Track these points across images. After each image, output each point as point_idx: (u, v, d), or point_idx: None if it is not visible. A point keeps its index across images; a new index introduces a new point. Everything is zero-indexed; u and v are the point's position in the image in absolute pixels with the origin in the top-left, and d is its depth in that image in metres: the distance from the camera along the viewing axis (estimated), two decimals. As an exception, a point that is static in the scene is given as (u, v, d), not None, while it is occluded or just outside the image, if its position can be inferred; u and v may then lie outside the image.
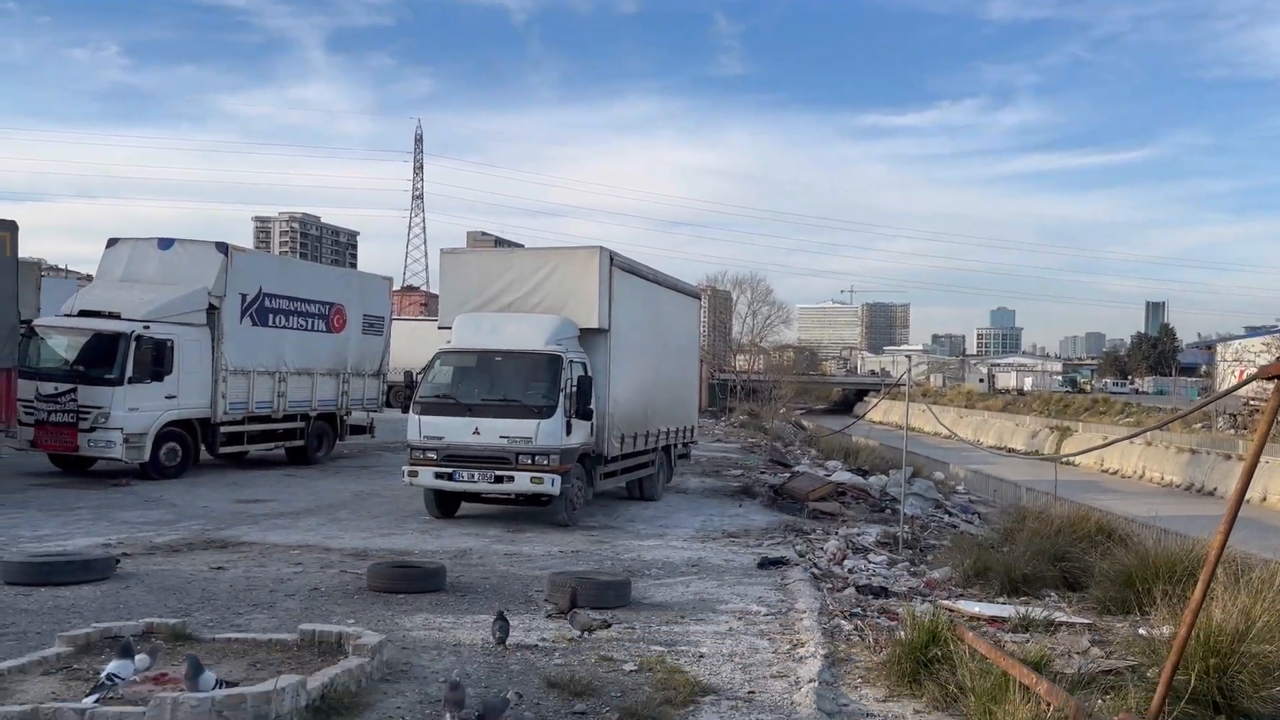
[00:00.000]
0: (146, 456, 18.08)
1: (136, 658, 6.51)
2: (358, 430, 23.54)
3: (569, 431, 14.32)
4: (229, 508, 15.70)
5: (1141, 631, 9.32)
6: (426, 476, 14.41)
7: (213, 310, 19.39)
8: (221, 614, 8.97)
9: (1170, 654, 4.95)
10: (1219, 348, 72.29)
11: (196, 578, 10.51)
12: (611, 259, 15.67)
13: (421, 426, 14.49)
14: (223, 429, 19.68)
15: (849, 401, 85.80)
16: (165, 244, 19.83)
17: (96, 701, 5.77)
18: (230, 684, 5.94)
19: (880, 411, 74.37)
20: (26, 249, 17.92)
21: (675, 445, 19.38)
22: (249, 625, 8.53)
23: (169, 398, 18.47)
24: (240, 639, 7.42)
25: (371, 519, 15.00)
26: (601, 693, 6.96)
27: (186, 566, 11.11)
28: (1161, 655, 8.25)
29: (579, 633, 8.50)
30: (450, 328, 15.51)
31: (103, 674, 6.11)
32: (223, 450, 19.93)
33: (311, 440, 21.92)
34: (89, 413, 17.54)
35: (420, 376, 15.07)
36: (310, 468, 21.44)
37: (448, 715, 5.93)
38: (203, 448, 19.68)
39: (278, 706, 5.84)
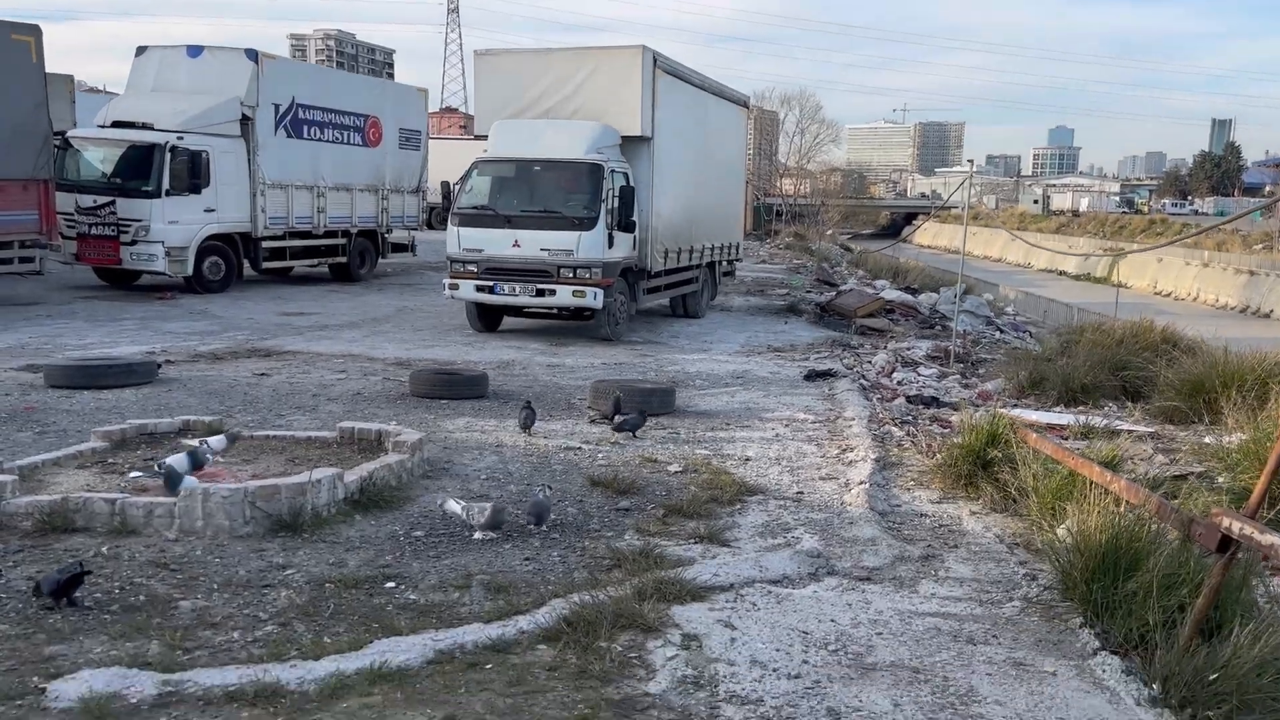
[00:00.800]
0: (190, 270, 17.95)
1: (214, 439, 6.41)
2: (399, 248, 23.24)
3: (611, 244, 13.83)
4: (273, 320, 15.62)
5: (1208, 439, 8.93)
6: (467, 290, 14.11)
7: (246, 122, 18.81)
8: (263, 415, 8.85)
9: (1276, 445, 4.52)
10: (1287, 166, 68.92)
11: (239, 383, 10.41)
12: (655, 60, 14.75)
13: (460, 239, 14.08)
14: (264, 244, 19.45)
15: (897, 226, 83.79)
16: (194, 51, 19.08)
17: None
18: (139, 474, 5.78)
19: (928, 235, 72.67)
20: (62, 68, 17.32)
21: (719, 262, 18.84)
22: (290, 427, 8.37)
23: (208, 211, 18.17)
24: (279, 436, 7.28)
25: (414, 332, 14.84)
26: (646, 491, 6.75)
27: (230, 373, 11.02)
28: (1234, 461, 7.89)
29: (626, 432, 8.31)
30: (487, 136, 14.84)
31: (158, 464, 5.98)
32: (266, 266, 19.78)
33: (354, 257, 21.66)
34: (129, 226, 17.33)
35: (457, 187, 14.53)
36: (353, 284, 21.29)
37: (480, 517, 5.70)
38: (246, 263, 19.53)
39: (313, 498, 5.67)
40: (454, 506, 5.65)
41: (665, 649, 4.21)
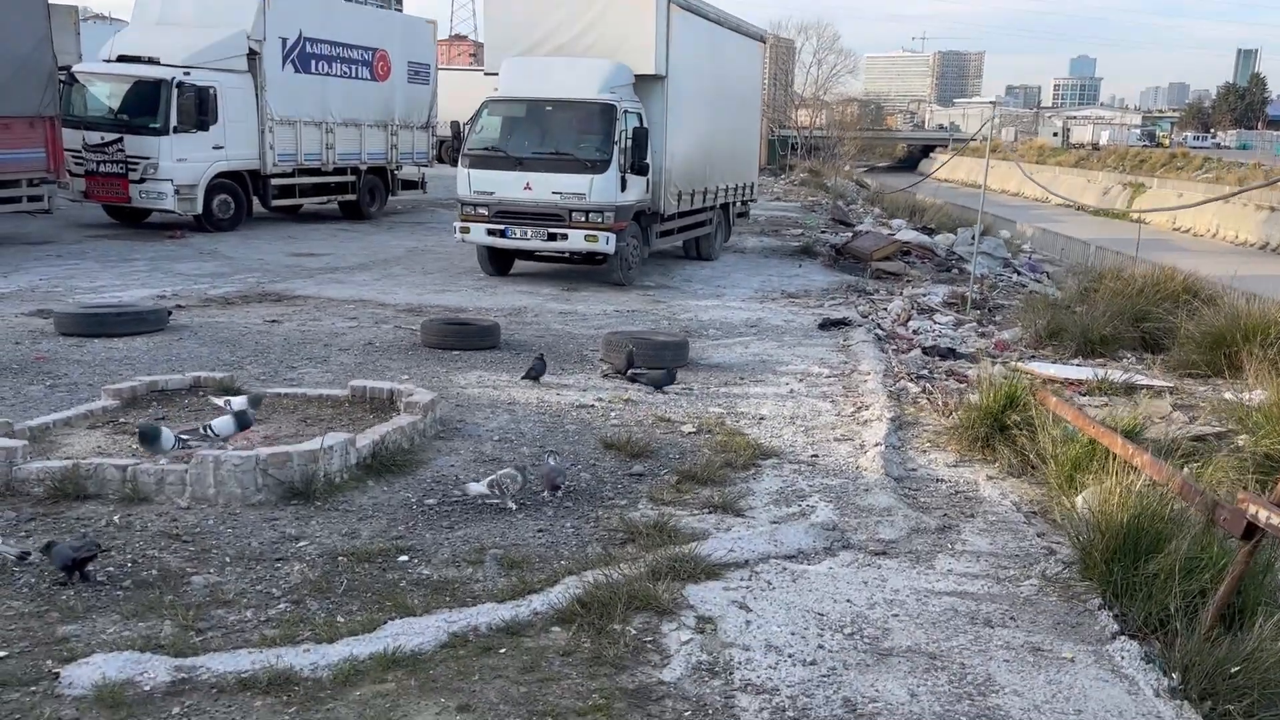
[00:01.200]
0: (199, 208, 17.81)
1: (235, 400, 6.38)
2: (409, 185, 22.96)
3: (624, 188, 13.60)
4: (283, 261, 15.51)
5: (1228, 395, 8.81)
6: (478, 233, 13.93)
7: (253, 56, 18.47)
8: (274, 368, 8.80)
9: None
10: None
11: (250, 330, 10.35)
12: (669, -6, 14.34)
13: (471, 181, 13.86)
14: (273, 181, 19.24)
15: (914, 158, 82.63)
16: (199, -18, 18.67)
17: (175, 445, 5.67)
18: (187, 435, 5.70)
19: (946, 168, 71.60)
20: (63, -4, 16.97)
21: (734, 204, 18.51)
22: (302, 380, 8.36)
23: (216, 148, 17.94)
24: (291, 394, 7.21)
25: (425, 275, 14.71)
26: (659, 454, 6.69)
27: (240, 319, 10.96)
28: (1255, 424, 7.78)
29: (651, 388, 8.30)
30: (497, 74, 14.51)
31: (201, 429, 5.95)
32: (275, 204, 19.61)
33: (363, 194, 21.42)
34: (137, 163, 17.14)
35: (468, 127, 14.27)
36: (363, 223, 21.11)
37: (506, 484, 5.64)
38: (255, 201, 19.37)
39: (325, 464, 5.63)
40: (478, 488, 5.57)
41: (680, 632, 4.18)
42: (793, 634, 4.24)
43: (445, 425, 7.05)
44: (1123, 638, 4.34)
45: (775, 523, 5.55)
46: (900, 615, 4.48)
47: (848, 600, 4.60)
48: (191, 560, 4.73)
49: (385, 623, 4.13)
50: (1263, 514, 4.12)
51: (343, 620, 4.19)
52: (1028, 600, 4.73)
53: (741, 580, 4.72)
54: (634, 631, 4.15)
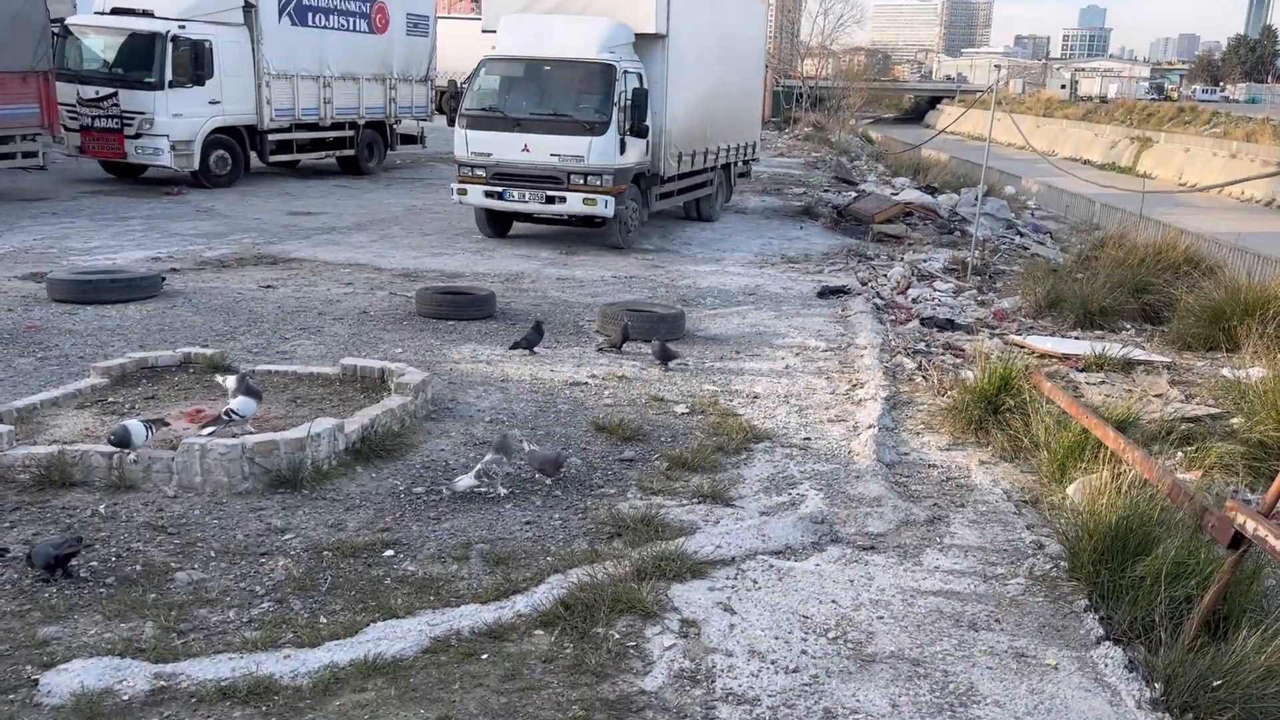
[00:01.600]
0: (196, 164, 17.64)
1: (229, 380, 6.31)
2: (408, 140, 22.71)
3: (623, 150, 13.41)
4: (280, 220, 15.37)
5: (1226, 372, 8.74)
6: (475, 195, 13.77)
7: (249, 9, 18.16)
8: (268, 338, 8.74)
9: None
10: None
11: (244, 297, 10.26)
12: (671, -49, 14.01)
13: (468, 141, 13.66)
14: (271, 137, 19.02)
15: (920, 109, 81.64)
16: (193, -69, 18.26)
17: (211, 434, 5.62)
18: (160, 423, 5.62)
19: (950, 119, 70.73)
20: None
21: (735, 163, 18.28)
22: (295, 352, 8.30)
23: (212, 103, 17.71)
24: (281, 372, 7.15)
25: (423, 236, 14.57)
26: (651, 438, 6.63)
27: (235, 284, 10.87)
28: (1249, 401, 7.72)
29: (661, 365, 8.31)
30: (495, 31, 14.23)
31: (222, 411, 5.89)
32: (273, 159, 19.41)
33: (362, 149, 21.19)
34: (133, 118, 16.93)
35: (465, 86, 14.03)
36: (362, 178, 20.91)
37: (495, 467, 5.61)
38: (253, 157, 19.15)
39: (313, 452, 5.58)
40: (466, 482, 5.51)
41: (663, 637, 4.16)
42: (776, 638, 4.22)
43: (437, 405, 6.99)
44: (1107, 643, 4.31)
45: (764, 514, 5.51)
46: (885, 617, 4.46)
47: (833, 601, 4.57)
48: (176, 554, 4.70)
49: (368, 625, 4.10)
50: (1250, 524, 4.07)
51: (325, 621, 4.16)
52: (1014, 601, 4.70)
53: (727, 579, 4.69)
54: (617, 636, 4.13)
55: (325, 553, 4.77)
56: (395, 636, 4.01)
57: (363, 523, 5.12)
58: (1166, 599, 4.36)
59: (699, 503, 5.61)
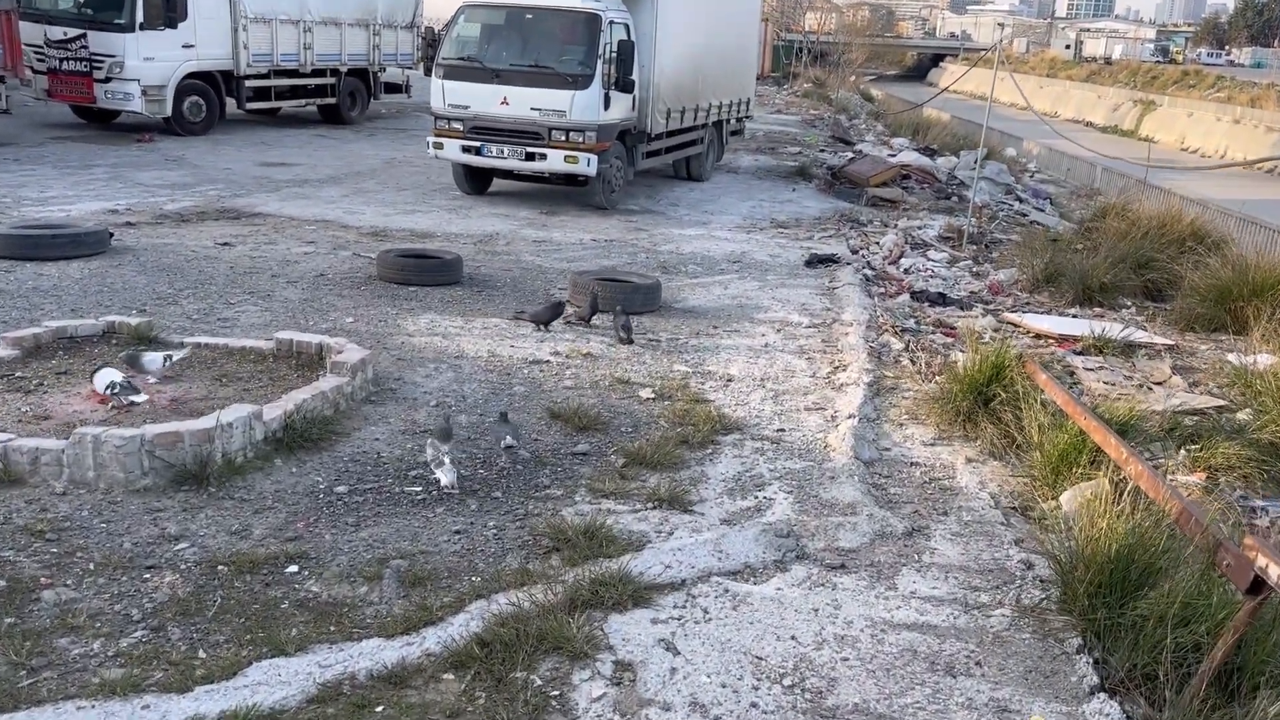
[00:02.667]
0: (169, 111, 16.82)
1: (149, 357, 5.72)
2: (392, 89, 21.89)
3: (607, 105, 12.65)
4: (251, 171, 14.63)
5: (1232, 358, 8.13)
6: (452, 149, 13.01)
7: (225, -53, 17.24)
8: (212, 303, 8.08)
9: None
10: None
11: (197, 255, 9.59)
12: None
13: (445, 93, 12.88)
14: (248, 83, 18.18)
15: (924, 67, 79.93)
16: None
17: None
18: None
19: (952, 78, 69.33)
20: None
21: (728, 121, 17.49)
22: (238, 320, 7.66)
23: (186, 47, 16.86)
24: (211, 345, 6.50)
25: (398, 192, 13.84)
26: (610, 427, 6.01)
27: (191, 240, 10.20)
28: (1256, 392, 7.12)
29: (624, 340, 7.69)
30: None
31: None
32: (250, 107, 18.59)
33: (343, 97, 20.35)
34: (102, 61, 16.09)
35: (443, 33, 13.22)
36: (343, 128, 20.10)
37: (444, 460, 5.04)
38: (232, 103, 18.32)
39: (225, 443, 4.95)
40: (448, 478, 5.02)
41: (593, 684, 3.56)
42: (724, 685, 3.63)
43: (380, 385, 6.36)
44: (1102, 695, 3.73)
45: (725, 522, 4.91)
46: (851, 659, 3.87)
47: (792, 637, 3.97)
48: (50, 567, 4.09)
49: (250, 664, 3.51)
50: (1273, 569, 3.47)
51: (203, 657, 3.57)
52: (997, 638, 4.11)
53: (675, 608, 4.09)
54: (539, 682, 3.54)
55: (220, 567, 4.16)
56: (279, 681, 3.41)
57: (270, 529, 4.51)
58: (1172, 644, 3.77)
59: (654, 508, 5.00)
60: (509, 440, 5.40)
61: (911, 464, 5.95)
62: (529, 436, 5.78)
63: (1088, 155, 24.51)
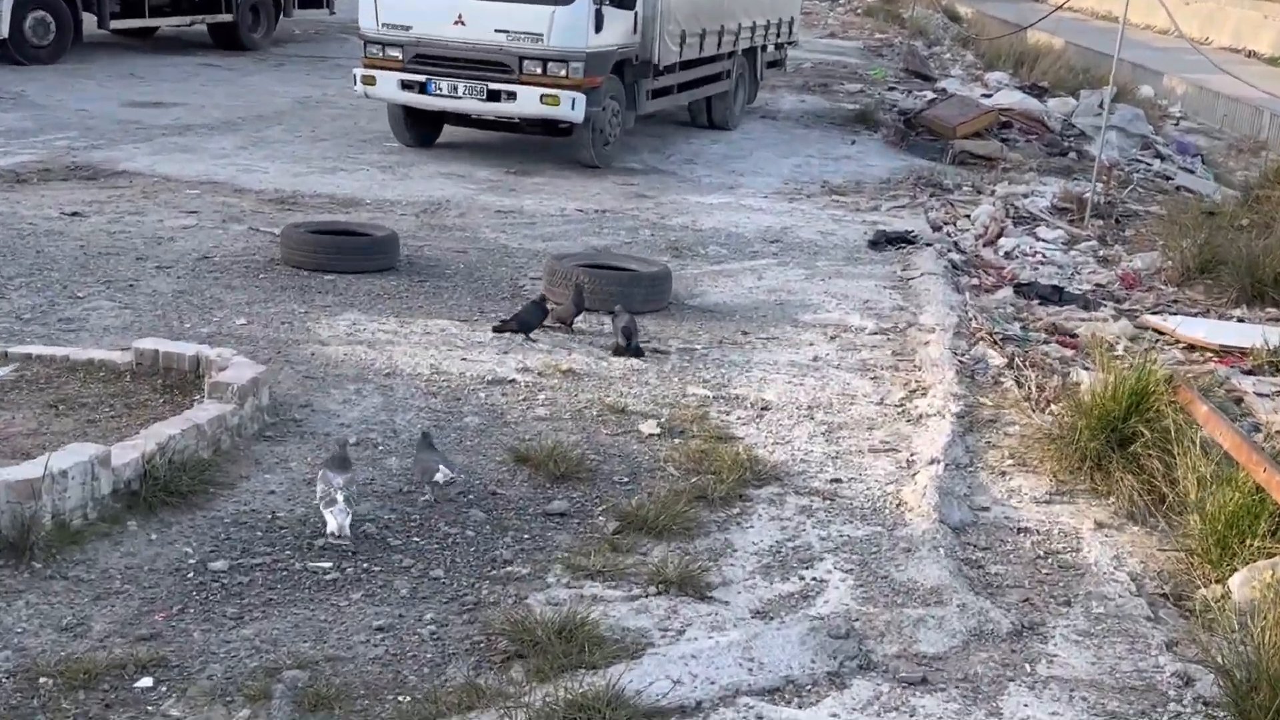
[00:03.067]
0: (5, 31, 16.89)
1: None
2: (310, 2, 22.28)
3: (599, 26, 12.64)
4: (115, 113, 14.80)
5: None
6: (387, 86, 13.03)
7: None
8: (52, 296, 8.08)
9: None
10: None
11: (37, 230, 9.64)
12: None
13: (379, 8, 12.89)
14: (116, -7, 18.29)
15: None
16: None
17: None
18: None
19: (1070, -7, 69.59)
20: None
21: (764, 48, 17.70)
22: (86, 320, 7.70)
23: (27, -55, 16.89)
24: (44, 357, 6.41)
25: (314, 143, 13.94)
26: (597, 476, 5.92)
27: (29, 209, 10.23)
28: None
29: (625, 351, 7.66)
30: None
31: None
32: (116, 25, 18.83)
33: (244, 14, 20.57)
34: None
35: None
36: (241, 56, 20.39)
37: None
38: (91, 20, 18.37)
39: (56, 500, 4.79)
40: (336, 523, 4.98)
41: None
42: None
43: (280, 414, 6.29)
44: None
45: (759, 615, 4.77)
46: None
47: (853, 793, 3.79)
48: None
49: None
50: None
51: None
52: (1145, 795, 3.93)
53: (684, 748, 3.92)
54: None
55: (43, 680, 3.99)
56: None
57: (116, 623, 4.36)
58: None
59: (658, 594, 4.87)
60: (443, 473, 5.39)
61: (1019, 530, 5.89)
62: (484, 489, 5.63)
63: (1253, 96, 24.40)
